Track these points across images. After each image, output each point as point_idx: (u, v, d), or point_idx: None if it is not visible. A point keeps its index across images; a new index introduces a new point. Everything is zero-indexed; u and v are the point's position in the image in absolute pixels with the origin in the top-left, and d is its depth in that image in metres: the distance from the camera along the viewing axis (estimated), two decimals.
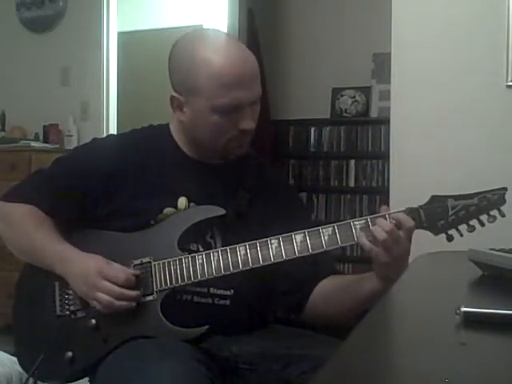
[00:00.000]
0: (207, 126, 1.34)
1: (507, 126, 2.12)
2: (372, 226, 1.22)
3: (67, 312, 1.36)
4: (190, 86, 1.33)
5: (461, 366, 0.69)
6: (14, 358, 1.48)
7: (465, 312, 0.82)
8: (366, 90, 4.22)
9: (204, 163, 1.43)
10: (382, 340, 0.84)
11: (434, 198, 1.24)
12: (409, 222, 1.21)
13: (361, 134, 4.24)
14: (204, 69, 1.30)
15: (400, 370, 0.69)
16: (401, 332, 0.89)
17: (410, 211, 1.23)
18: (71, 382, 1.39)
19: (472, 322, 0.82)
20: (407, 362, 0.71)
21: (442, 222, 1.22)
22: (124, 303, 1.27)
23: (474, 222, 1.22)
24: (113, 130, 4.16)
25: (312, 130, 4.38)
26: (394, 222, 1.21)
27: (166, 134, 1.46)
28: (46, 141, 4.15)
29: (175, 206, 1.37)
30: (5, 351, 1.93)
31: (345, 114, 4.23)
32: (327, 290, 1.40)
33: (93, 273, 1.28)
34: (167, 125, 1.48)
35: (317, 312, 1.42)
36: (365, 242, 1.21)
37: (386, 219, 1.22)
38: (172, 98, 1.37)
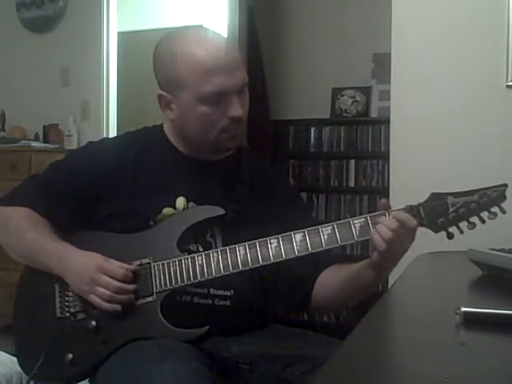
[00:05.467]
0: (196, 119, 1.34)
1: (507, 125, 2.12)
2: (372, 224, 1.22)
3: (67, 314, 1.36)
4: (175, 81, 1.34)
5: (461, 366, 0.69)
6: (14, 358, 1.48)
7: (465, 312, 0.82)
8: (366, 90, 4.22)
9: (200, 161, 1.43)
10: (382, 340, 0.84)
11: (433, 196, 1.23)
12: (412, 222, 1.20)
13: (361, 134, 4.24)
14: (186, 61, 1.31)
15: (400, 369, 0.69)
16: (401, 332, 0.89)
17: (410, 209, 1.22)
18: None
19: (472, 322, 0.82)
20: (407, 362, 0.71)
21: (442, 219, 1.21)
22: (124, 297, 1.28)
23: (474, 219, 1.21)
24: (113, 130, 4.16)
25: (312, 130, 4.38)
26: (394, 220, 1.21)
27: (160, 134, 1.46)
28: (45, 141, 4.15)
29: (173, 206, 1.37)
30: (5, 351, 1.93)
31: (345, 114, 4.23)
32: (328, 285, 1.40)
33: (92, 268, 1.29)
34: (161, 125, 1.49)
35: (319, 305, 1.44)
36: (379, 240, 1.19)
37: (385, 217, 1.22)
38: (159, 96, 1.38)
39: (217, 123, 1.34)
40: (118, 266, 1.29)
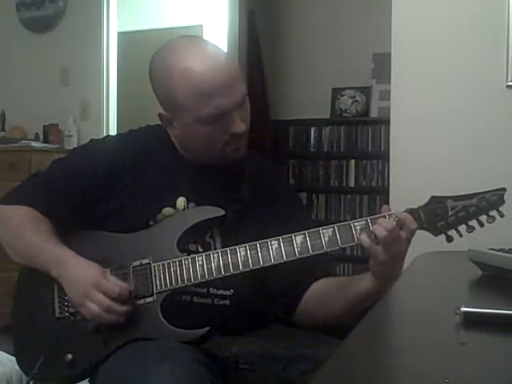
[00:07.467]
0: (198, 138, 1.34)
1: (507, 126, 2.12)
2: (372, 226, 1.22)
3: (67, 314, 1.35)
4: (173, 102, 1.32)
5: (461, 366, 0.69)
6: (14, 358, 1.47)
7: (465, 312, 0.82)
8: (366, 90, 4.22)
9: (203, 163, 1.42)
10: (382, 340, 0.84)
11: (433, 199, 1.24)
12: (412, 223, 1.20)
13: (361, 134, 4.25)
14: (182, 82, 1.29)
15: (400, 369, 0.69)
16: (401, 332, 0.89)
17: (410, 212, 1.23)
18: None
19: (472, 322, 0.82)
20: (407, 362, 0.71)
21: (442, 222, 1.22)
22: (111, 317, 1.27)
23: (473, 223, 1.22)
24: (113, 130, 4.16)
25: (312, 130, 4.38)
26: (396, 219, 1.21)
27: (163, 134, 1.45)
28: (45, 141, 4.15)
29: (174, 206, 1.37)
30: (5, 351, 1.92)
31: (345, 114, 4.23)
32: (320, 292, 1.38)
33: (88, 283, 1.28)
34: None
35: (307, 314, 1.40)
36: (365, 238, 1.21)
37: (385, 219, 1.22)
38: (160, 115, 1.37)
39: (219, 139, 1.33)
40: (114, 284, 1.28)
